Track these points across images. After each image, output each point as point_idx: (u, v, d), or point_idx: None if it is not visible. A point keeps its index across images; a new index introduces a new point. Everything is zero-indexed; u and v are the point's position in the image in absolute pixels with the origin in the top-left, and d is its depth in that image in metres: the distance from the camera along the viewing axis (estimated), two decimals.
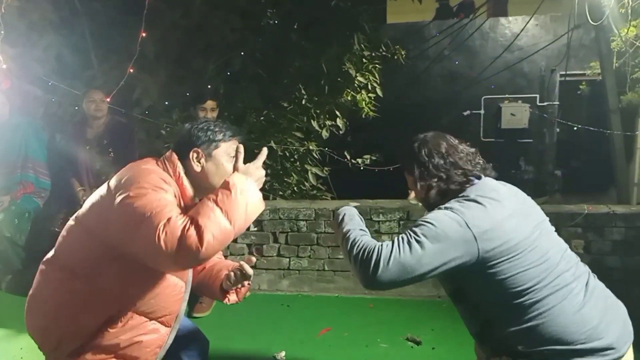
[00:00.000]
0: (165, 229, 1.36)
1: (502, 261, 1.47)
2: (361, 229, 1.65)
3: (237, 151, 1.67)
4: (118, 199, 1.47)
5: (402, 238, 1.48)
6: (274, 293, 3.75)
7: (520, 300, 1.48)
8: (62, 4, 4.35)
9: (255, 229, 3.78)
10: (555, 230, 1.66)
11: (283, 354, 2.87)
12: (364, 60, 5.47)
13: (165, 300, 1.66)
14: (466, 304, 1.64)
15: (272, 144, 4.90)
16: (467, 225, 1.46)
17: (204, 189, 1.67)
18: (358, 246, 1.52)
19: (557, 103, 7.73)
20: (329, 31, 4.86)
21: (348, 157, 5.48)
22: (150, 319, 1.66)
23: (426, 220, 1.50)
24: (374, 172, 5.57)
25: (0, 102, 3.58)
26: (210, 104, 3.59)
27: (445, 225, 1.47)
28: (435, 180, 1.64)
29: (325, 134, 5.30)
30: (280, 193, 5.06)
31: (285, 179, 5.16)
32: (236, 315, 3.40)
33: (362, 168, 5.50)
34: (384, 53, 5.93)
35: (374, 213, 3.61)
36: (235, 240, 3.80)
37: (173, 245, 1.35)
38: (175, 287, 1.69)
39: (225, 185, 1.49)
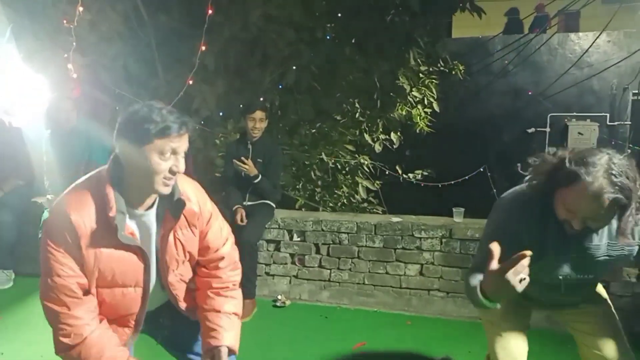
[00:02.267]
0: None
1: None
2: None
3: None
4: None
5: None
6: (313, 303, 3.78)
7: None
8: (130, 16, 4.62)
9: (299, 239, 3.83)
10: None
11: None
12: (420, 75, 5.46)
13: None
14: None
15: (323, 155, 4.97)
16: None
17: (142, 189, 1.57)
18: None
19: (629, 123, 7.35)
20: (383, 46, 4.88)
21: (400, 171, 5.46)
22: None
23: None
24: (425, 187, 5.52)
25: (69, 109, 3.84)
26: (259, 114, 3.70)
27: None
28: None
29: (378, 147, 5.32)
30: (331, 205, 5.11)
31: (336, 191, 5.22)
32: (276, 323, 3.46)
33: (414, 183, 5.46)
34: (442, 68, 5.88)
35: (416, 229, 3.58)
36: (278, 250, 3.88)
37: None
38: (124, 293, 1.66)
39: None
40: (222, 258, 1.82)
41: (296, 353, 3.03)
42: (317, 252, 3.81)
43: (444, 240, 3.52)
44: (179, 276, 1.75)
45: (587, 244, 1.71)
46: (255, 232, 3.65)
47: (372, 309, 3.66)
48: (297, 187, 5.12)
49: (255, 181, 3.67)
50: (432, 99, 5.55)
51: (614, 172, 1.49)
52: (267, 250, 3.90)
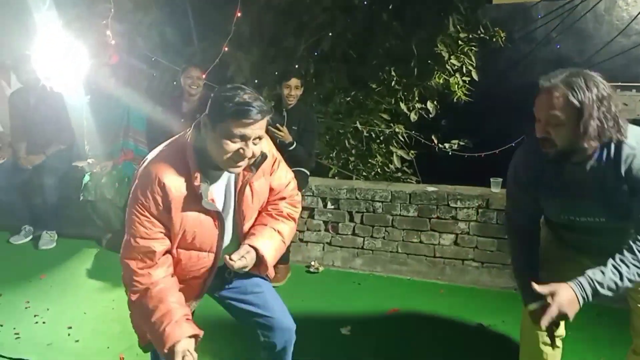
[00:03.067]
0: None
1: None
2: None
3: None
4: None
5: None
6: (347, 270, 3.81)
7: None
8: None
9: (332, 207, 3.84)
10: None
11: (349, 328, 2.93)
12: (459, 42, 5.29)
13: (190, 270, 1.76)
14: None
15: (358, 124, 4.92)
16: None
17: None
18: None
19: None
20: (421, 11, 4.75)
21: (435, 141, 5.36)
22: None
23: None
24: (461, 157, 5.40)
25: (107, 75, 3.91)
26: (294, 81, 3.67)
27: None
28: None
29: (414, 116, 5.22)
30: (364, 174, 5.07)
31: (370, 160, 5.16)
32: (308, 288, 3.51)
33: (450, 153, 5.36)
34: (482, 35, 5.69)
35: (452, 199, 3.53)
36: (312, 217, 3.90)
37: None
38: (199, 257, 1.74)
39: None
40: (284, 198, 1.91)
41: (329, 318, 3.07)
42: (351, 220, 3.82)
43: (480, 210, 3.48)
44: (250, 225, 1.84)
45: (581, 184, 1.72)
46: None
47: (405, 277, 3.66)
48: (331, 155, 5.10)
49: (290, 148, 3.67)
50: (471, 67, 5.37)
51: (571, 76, 1.59)
52: (301, 217, 3.92)
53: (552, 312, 1.57)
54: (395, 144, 5.22)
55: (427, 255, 3.64)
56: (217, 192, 1.72)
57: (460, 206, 3.52)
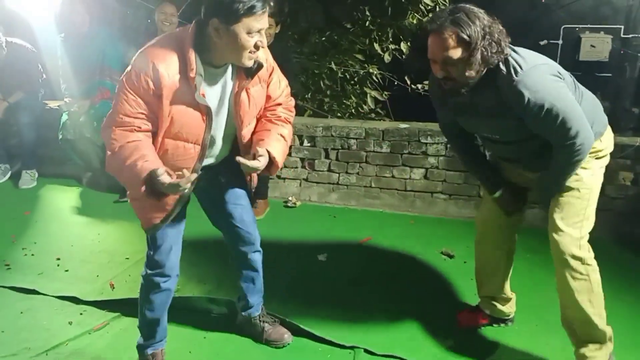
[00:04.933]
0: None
1: None
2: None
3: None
4: None
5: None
6: (322, 205, 3.99)
7: None
8: None
9: (309, 144, 3.97)
10: None
11: (325, 255, 3.13)
12: None
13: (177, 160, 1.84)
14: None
15: (332, 64, 4.99)
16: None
17: (226, 58, 1.76)
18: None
19: None
20: None
21: (408, 81, 5.47)
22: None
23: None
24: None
25: (81, 13, 3.86)
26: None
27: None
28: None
29: (387, 57, 5.29)
30: (339, 115, 5.18)
31: (344, 101, 5.27)
32: (287, 221, 3.69)
33: (422, 94, 5.49)
34: None
35: (422, 135, 3.70)
36: (289, 154, 4.03)
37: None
38: (185, 148, 1.83)
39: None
40: (280, 104, 2.04)
41: (307, 247, 3.27)
42: (327, 157, 3.96)
43: (448, 145, 3.65)
44: (251, 130, 1.97)
45: (472, 107, 1.91)
46: None
47: (378, 210, 3.86)
48: (306, 97, 5.17)
49: None
50: (444, 7, 5.45)
51: (454, 14, 1.71)
52: None
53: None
54: (369, 84, 5.32)
55: (398, 189, 3.84)
56: (212, 92, 1.80)
57: (430, 142, 3.69)
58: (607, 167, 2.04)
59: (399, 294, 2.71)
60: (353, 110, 5.29)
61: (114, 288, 2.77)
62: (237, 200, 2.11)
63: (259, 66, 1.81)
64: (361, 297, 2.69)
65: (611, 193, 3.36)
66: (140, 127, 1.73)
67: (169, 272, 2.02)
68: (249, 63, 1.73)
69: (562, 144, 1.80)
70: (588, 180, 1.94)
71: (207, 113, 1.77)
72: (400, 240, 3.34)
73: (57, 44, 4.01)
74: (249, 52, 1.69)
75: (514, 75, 1.74)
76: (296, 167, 4.04)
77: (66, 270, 2.97)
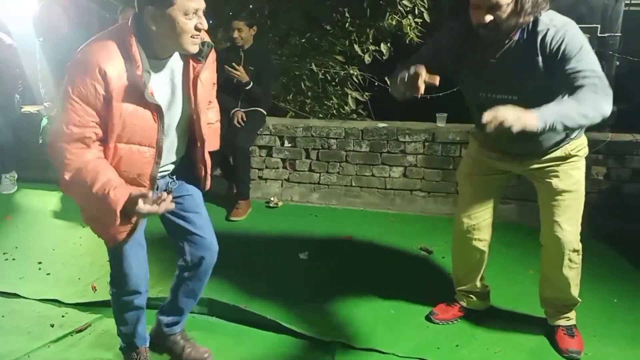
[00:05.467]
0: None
1: None
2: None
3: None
4: None
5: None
6: (304, 204, 4.03)
7: None
8: None
9: (289, 145, 4.01)
10: None
11: (306, 253, 3.17)
12: None
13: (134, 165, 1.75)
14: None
15: (313, 66, 5.03)
16: None
17: (169, 47, 1.67)
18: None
19: (619, 35, 7.33)
20: None
21: (389, 83, 5.53)
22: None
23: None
24: (413, 99, 5.62)
25: (59, 15, 3.87)
26: (236, 24, 3.77)
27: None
28: None
29: (367, 58, 5.35)
30: (320, 116, 5.22)
31: (326, 102, 5.31)
32: (269, 221, 3.72)
33: None
34: None
35: (401, 134, 3.76)
36: (270, 155, 4.07)
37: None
38: (140, 152, 1.74)
39: None
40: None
41: (288, 246, 3.31)
42: (307, 157, 4.01)
43: (426, 143, 3.72)
44: (206, 120, 1.91)
45: (503, 60, 1.92)
46: (248, 138, 3.82)
47: (358, 208, 3.91)
48: (288, 98, 5.21)
49: (247, 88, 3.79)
50: (422, 9, 5.50)
51: None
52: (260, 155, 4.09)
53: (497, 111, 1.63)
54: (350, 85, 5.36)
55: (378, 188, 3.89)
56: (160, 85, 1.72)
57: (408, 140, 3.75)
58: None
59: (378, 290, 2.76)
60: (334, 111, 5.33)
61: (95, 290, 2.79)
62: (196, 208, 2.03)
63: (209, 47, 1.75)
64: (341, 294, 2.73)
65: (585, 188, 3.43)
66: (91, 137, 1.61)
67: (136, 287, 1.95)
68: (194, 48, 1.66)
69: (592, 82, 1.75)
70: (582, 181, 2.14)
71: (157, 111, 1.68)
72: (380, 238, 3.39)
73: (36, 48, 4.01)
74: (191, 36, 1.61)
75: (556, 22, 1.84)
76: (277, 168, 4.08)
77: (48, 274, 2.98)
